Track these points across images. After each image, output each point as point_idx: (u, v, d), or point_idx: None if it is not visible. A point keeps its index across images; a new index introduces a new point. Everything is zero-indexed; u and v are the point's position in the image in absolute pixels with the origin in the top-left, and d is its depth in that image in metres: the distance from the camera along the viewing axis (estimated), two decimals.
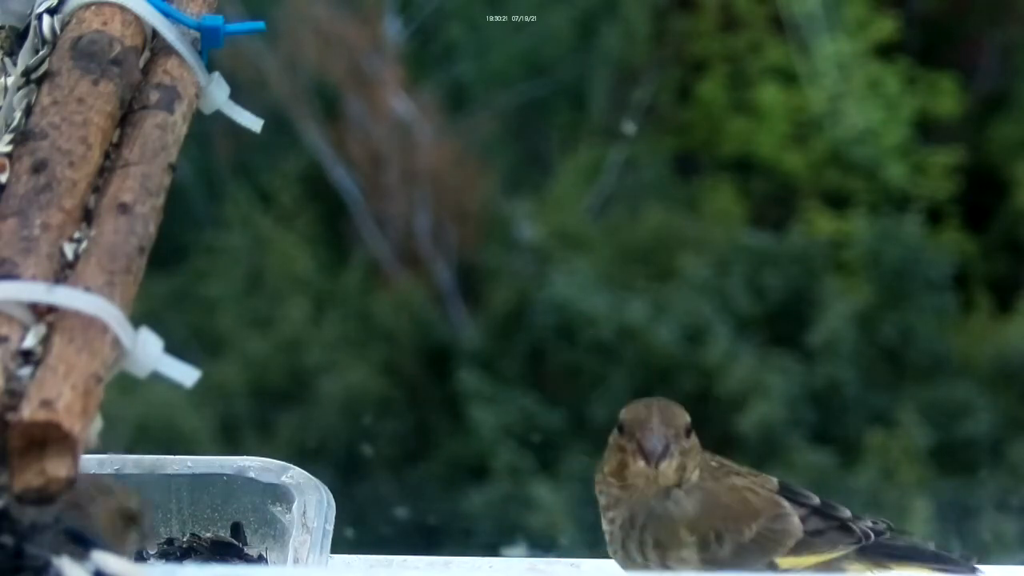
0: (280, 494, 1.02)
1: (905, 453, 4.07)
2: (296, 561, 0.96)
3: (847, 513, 1.02)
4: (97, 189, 0.78)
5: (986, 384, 4.42)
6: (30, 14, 0.86)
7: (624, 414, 0.99)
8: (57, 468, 0.67)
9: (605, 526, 1.01)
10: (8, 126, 0.80)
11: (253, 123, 0.88)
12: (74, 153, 0.77)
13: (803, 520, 1.01)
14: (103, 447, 0.77)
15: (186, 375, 0.73)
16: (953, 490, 3.86)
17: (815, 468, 3.95)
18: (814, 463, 4.00)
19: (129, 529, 0.90)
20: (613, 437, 1.00)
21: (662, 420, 0.98)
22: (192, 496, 1.03)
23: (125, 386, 3.42)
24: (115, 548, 0.76)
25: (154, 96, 0.82)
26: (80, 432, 0.67)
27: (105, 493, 0.87)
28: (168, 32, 0.84)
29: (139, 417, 3.91)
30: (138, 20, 0.84)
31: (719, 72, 5.36)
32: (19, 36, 0.86)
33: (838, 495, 4.12)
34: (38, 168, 0.77)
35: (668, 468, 0.97)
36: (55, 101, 0.80)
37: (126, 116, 0.81)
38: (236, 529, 1.03)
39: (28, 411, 0.67)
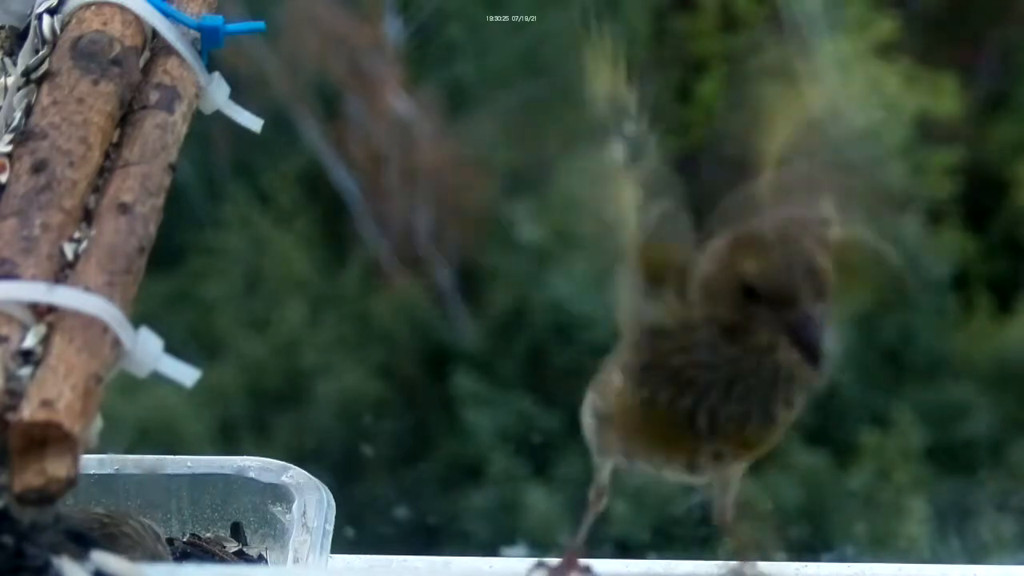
0: (280, 494, 1.02)
1: (900, 453, 4.07)
2: (296, 561, 0.96)
3: None
4: (97, 189, 0.78)
5: (986, 385, 4.42)
6: (30, 14, 0.86)
7: (754, 271, 0.76)
8: (57, 468, 0.67)
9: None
10: (8, 126, 0.80)
11: (253, 123, 0.88)
12: (74, 153, 0.77)
13: None
14: (103, 447, 0.77)
15: (186, 375, 0.73)
16: (953, 491, 3.86)
17: (810, 469, 3.95)
18: (809, 464, 4.00)
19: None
20: (724, 282, 0.77)
21: (815, 291, 0.76)
22: (192, 496, 1.03)
23: (124, 388, 3.42)
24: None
25: (154, 96, 0.82)
26: (80, 432, 0.67)
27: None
28: (168, 32, 0.84)
29: (139, 420, 3.91)
30: (138, 20, 0.84)
31: (719, 72, 5.36)
32: (19, 36, 0.86)
33: (833, 496, 4.11)
34: (38, 168, 0.77)
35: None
36: (55, 101, 0.80)
37: (126, 116, 0.81)
38: (236, 529, 1.03)
39: (28, 411, 0.67)
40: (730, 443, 0.81)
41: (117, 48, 0.82)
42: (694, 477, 0.85)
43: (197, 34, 0.86)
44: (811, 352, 0.76)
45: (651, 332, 0.81)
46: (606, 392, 0.86)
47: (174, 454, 1.05)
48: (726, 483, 0.86)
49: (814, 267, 0.77)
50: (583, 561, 0.89)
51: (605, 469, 0.89)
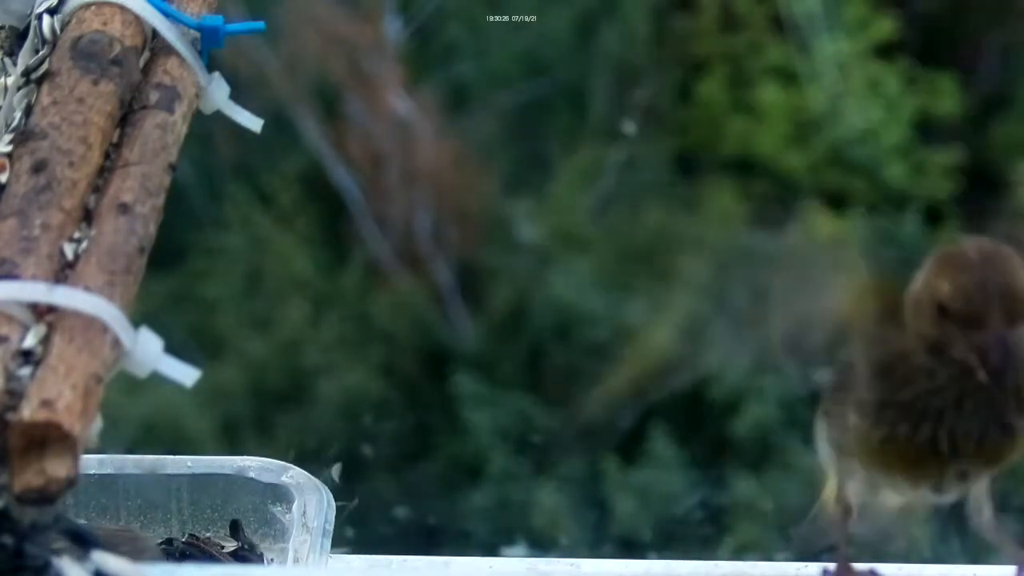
0: (280, 494, 1.02)
1: None
2: (296, 561, 0.96)
3: None
4: (97, 189, 0.78)
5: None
6: (30, 14, 0.86)
7: (948, 292, 0.77)
8: (57, 468, 0.67)
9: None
10: (8, 126, 0.80)
11: (253, 123, 0.88)
12: (74, 153, 0.77)
13: None
14: (104, 447, 0.77)
15: (186, 375, 0.73)
16: None
17: (811, 470, 3.95)
18: (809, 465, 3.99)
19: None
20: (924, 300, 0.78)
21: (1005, 312, 0.76)
22: (192, 496, 1.03)
23: (131, 386, 3.42)
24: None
25: (154, 96, 0.82)
26: (80, 432, 0.67)
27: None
28: (168, 32, 0.84)
29: (142, 418, 3.91)
30: (138, 20, 0.84)
31: (719, 72, 5.36)
32: (19, 36, 0.86)
33: None
34: (38, 168, 0.77)
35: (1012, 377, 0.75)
36: (55, 101, 0.80)
37: (126, 116, 0.81)
38: (235, 528, 1.03)
39: (28, 411, 0.67)
40: (973, 460, 0.83)
41: (117, 48, 0.82)
42: (941, 497, 0.88)
43: (197, 34, 0.86)
44: (997, 375, 0.77)
45: (878, 369, 0.82)
46: (843, 427, 0.86)
47: (177, 453, 1.05)
48: (979, 501, 0.91)
49: (1010, 290, 0.77)
50: (864, 565, 0.91)
51: (848, 485, 0.91)
